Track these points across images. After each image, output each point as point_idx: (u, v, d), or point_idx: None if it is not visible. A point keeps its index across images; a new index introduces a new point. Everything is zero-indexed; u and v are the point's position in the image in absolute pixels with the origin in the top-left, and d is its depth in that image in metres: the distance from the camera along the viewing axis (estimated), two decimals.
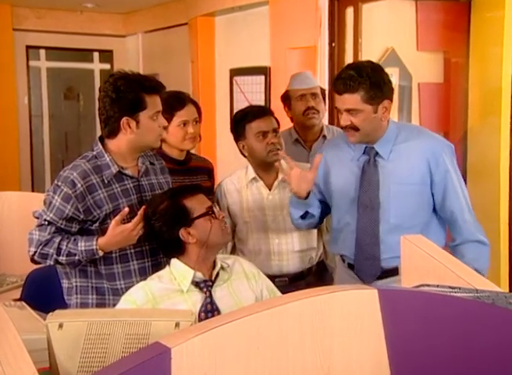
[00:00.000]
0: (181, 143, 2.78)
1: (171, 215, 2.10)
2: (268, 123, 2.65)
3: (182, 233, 2.09)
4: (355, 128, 2.29)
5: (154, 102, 2.24)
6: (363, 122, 2.28)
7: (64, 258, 2.16)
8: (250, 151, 2.68)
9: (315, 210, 2.50)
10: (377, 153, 2.37)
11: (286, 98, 3.27)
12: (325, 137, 3.23)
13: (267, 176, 2.72)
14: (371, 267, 2.40)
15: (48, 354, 1.43)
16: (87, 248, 2.15)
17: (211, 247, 2.11)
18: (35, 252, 2.18)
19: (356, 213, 2.41)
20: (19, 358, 1.08)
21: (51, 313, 1.48)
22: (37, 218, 2.24)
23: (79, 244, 2.15)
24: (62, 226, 2.19)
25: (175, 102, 2.74)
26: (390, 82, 2.33)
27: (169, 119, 2.67)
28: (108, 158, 2.24)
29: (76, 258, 2.16)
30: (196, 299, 2.06)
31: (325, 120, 3.75)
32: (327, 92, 3.59)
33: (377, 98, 2.27)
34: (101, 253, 2.16)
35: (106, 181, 2.22)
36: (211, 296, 2.07)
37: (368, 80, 2.24)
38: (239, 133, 2.70)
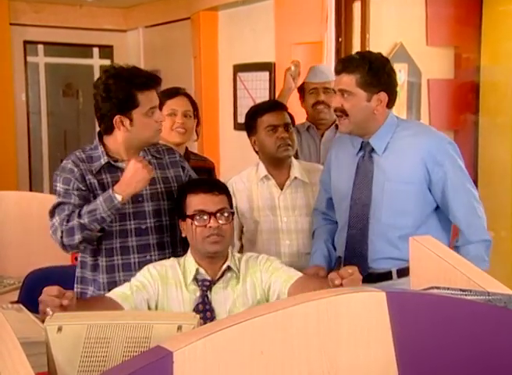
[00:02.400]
0: (168, 134, 2.74)
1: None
2: (279, 117, 2.62)
3: (180, 224, 2.18)
4: (344, 112, 2.27)
5: (148, 99, 2.21)
6: (353, 107, 2.26)
7: (86, 218, 2.12)
8: (260, 146, 2.65)
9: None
10: (372, 148, 2.33)
11: (301, 90, 3.27)
12: (337, 126, 3.17)
13: (279, 175, 2.67)
14: (357, 266, 2.32)
15: (46, 358, 1.42)
16: (105, 197, 2.13)
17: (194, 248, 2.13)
18: (62, 232, 2.15)
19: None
20: (17, 363, 1.08)
21: (49, 316, 1.47)
22: (52, 212, 2.21)
23: (97, 200, 2.14)
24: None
25: (166, 93, 2.76)
26: (393, 77, 2.32)
27: (160, 110, 2.64)
28: (100, 150, 2.25)
29: (98, 213, 2.12)
30: (195, 296, 2.05)
31: None
32: None
33: (372, 86, 2.24)
34: (119, 197, 2.12)
35: (95, 172, 2.23)
36: (203, 296, 2.04)
37: (367, 64, 2.25)
38: (250, 127, 2.67)
